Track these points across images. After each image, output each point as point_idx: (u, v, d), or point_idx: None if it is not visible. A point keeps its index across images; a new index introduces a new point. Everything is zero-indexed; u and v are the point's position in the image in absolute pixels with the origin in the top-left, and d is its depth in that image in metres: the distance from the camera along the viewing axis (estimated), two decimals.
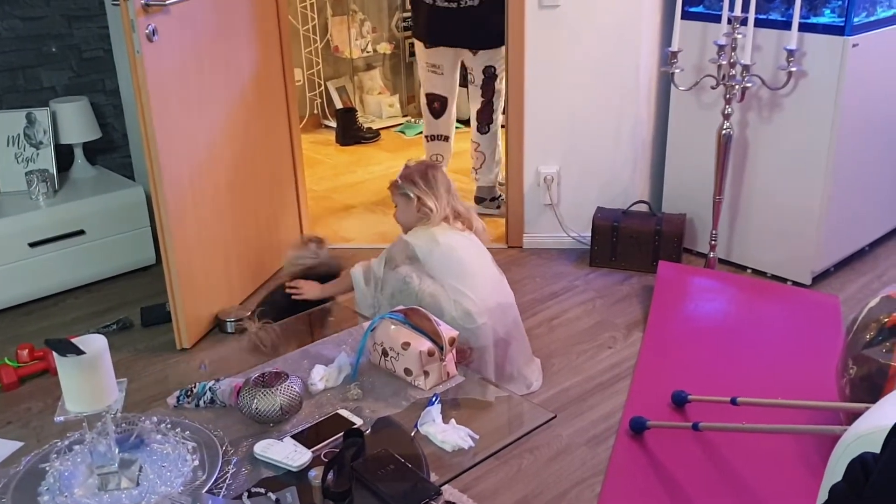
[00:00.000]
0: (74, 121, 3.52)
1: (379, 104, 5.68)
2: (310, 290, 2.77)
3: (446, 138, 4.20)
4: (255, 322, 2.51)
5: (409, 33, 5.49)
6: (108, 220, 3.41)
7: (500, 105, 4.04)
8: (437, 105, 4.11)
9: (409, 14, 4.83)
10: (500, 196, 4.12)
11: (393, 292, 2.57)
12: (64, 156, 3.57)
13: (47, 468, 1.69)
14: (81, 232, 3.35)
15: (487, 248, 2.73)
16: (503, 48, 3.66)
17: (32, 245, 3.24)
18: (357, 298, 2.69)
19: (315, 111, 5.66)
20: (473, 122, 4.13)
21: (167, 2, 2.64)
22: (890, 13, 3.21)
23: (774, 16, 3.15)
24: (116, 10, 3.35)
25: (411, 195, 2.62)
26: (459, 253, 2.59)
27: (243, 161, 3.24)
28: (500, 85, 3.96)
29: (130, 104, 3.71)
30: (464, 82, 4.24)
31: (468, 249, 2.63)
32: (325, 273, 2.82)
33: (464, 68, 4.11)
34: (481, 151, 4.11)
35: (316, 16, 5.44)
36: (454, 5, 3.82)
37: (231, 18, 3.11)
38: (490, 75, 4.00)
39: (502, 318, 2.61)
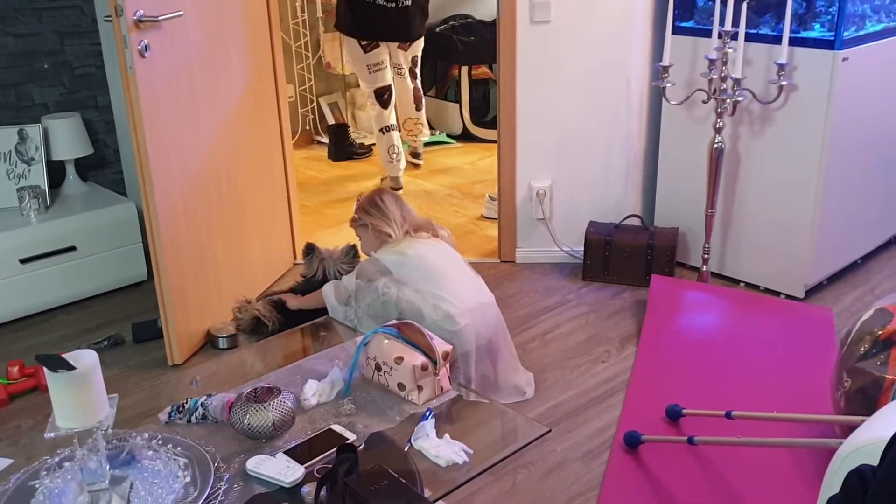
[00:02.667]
0: (66, 137, 3.51)
1: (371, 120, 5.67)
2: (290, 300, 2.90)
3: (394, 127, 4.73)
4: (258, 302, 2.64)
5: None
6: (100, 236, 3.40)
7: (419, 82, 4.97)
8: (387, 96, 4.66)
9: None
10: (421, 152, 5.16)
11: (370, 303, 2.59)
12: (56, 172, 3.56)
13: (37, 486, 1.67)
14: (73, 248, 3.34)
15: (478, 261, 2.74)
16: (422, 39, 4.69)
17: (23, 261, 3.22)
18: (331, 315, 2.71)
19: (307, 127, 5.67)
20: (409, 104, 4.92)
21: (159, 18, 2.64)
22: (879, 27, 3.23)
23: (765, 30, 3.17)
24: (109, 27, 3.35)
25: (368, 224, 2.70)
26: (430, 259, 2.62)
27: (235, 177, 3.23)
28: (417, 69, 4.90)
29: (122, 120, 3.71)
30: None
31: (439, 255, 2.66)
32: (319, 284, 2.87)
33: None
34: (421, 123, 5.01)
35: (308, 32, 5.45)
36: (393, 4, 4.41)
37: (223, 35, 3.11)
38: (414, 64, 4.84)
39: (483, 318, 2.61)
